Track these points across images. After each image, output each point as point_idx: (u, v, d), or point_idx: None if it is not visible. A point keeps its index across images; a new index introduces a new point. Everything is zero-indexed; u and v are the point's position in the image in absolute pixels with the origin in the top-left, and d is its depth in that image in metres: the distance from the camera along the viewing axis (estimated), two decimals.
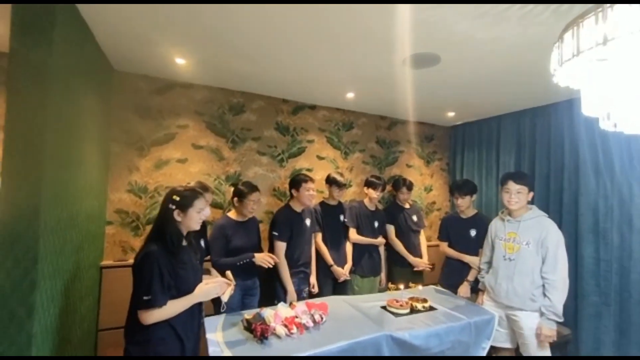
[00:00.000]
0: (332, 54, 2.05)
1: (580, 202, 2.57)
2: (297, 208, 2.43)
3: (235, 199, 2.20)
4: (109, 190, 2.37)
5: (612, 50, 0.83)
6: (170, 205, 1.38)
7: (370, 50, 1.98)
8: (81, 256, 1.86)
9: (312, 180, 2.41)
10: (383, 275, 2.92)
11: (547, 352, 1.94)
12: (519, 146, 3.18)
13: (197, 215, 1.43)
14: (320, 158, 3.22)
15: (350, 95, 2.89)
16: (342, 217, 2.75)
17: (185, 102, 2.64)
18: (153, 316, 1.27)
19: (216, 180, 2.72)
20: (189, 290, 1.40)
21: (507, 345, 2.10)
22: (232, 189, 2.39)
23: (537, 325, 1.91)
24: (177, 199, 1.39)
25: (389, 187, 3.29)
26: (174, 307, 1.32)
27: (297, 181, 2.38)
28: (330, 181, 2.72)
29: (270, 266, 2.06)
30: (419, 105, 3.14)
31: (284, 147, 3.04)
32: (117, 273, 2.28)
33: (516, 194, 2.04)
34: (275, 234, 2.28)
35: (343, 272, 2.58)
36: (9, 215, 1.27)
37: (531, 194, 2.06)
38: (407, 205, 3.06)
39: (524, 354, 2.00)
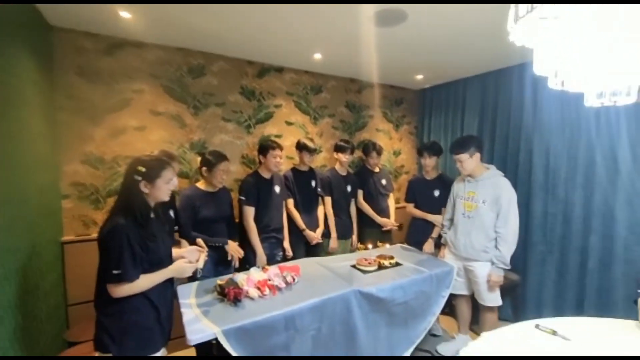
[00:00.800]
0: (295, 8, 1.92)
1: (534, 162, 2.75)
2: (265, 174, 2.42)
3: (204, 169, 2.13)
4: (62, 162, 2.20)
5: (562, 7, 0.84)
6: (136, 177, 1.31)
7: (334, 5, 1.88)
8: (36, 232, 1.76)
9: (280, 147, 2.40)
10: (354, 237, 3.03)
11: (497, 296, 2.17)
12: (482, 109, 3.27)
13: (166, 187, 1.38)
14: (289, 123, 3.14)
15: (317, 56, 2.78)
16: (313, 183, 2.77)
17: (138, 64, 2.41)
18: (124, 290, 1.25)
19: (180, 149, 2.60)
20: (160, 262, 1.38)
21: (464, 292, 2.33)
22: (198, 158, 2.30)
23: (487, 273, 2.12)
24: (143, 169, 1.31)
25: (358, 152, 3.32)
26: (146, 282, 1.30)
27: (265, 147, 2.38)
28: (300, 147, 2.70)
29: (240, 256, 2.14)
30: (387, 67, 3.10)
31: (250, 113, 2.92)
32: (80, 248, 2.19)
33: (459, 163, 2.18)
34: (242, 198, 2.33)
35: (315, 236, 2.65)
36: None
37: (476, 155, 2.15)
38: (376, 170, 3.12)
39: (478, 300, 2.23)
